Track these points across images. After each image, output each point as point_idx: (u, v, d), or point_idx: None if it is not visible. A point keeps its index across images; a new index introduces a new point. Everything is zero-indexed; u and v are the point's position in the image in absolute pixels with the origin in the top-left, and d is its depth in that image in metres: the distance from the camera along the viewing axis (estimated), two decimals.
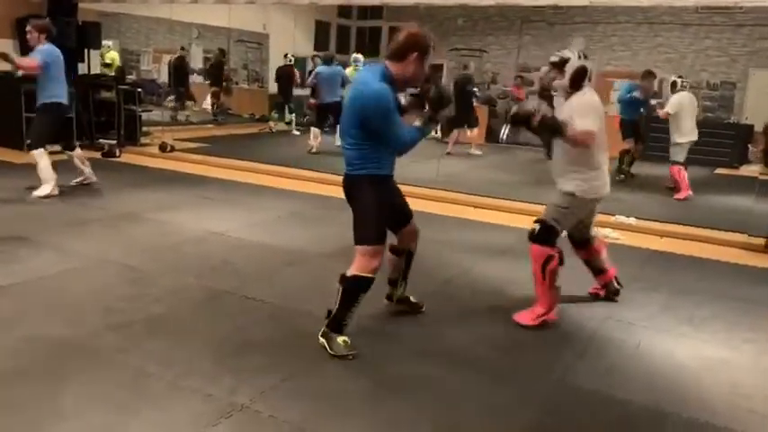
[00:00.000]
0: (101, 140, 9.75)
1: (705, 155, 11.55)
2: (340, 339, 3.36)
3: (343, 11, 16.46)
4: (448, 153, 11.22)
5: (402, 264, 3.89)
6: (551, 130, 3.81)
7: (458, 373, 3.29)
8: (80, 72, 10.17)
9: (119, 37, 13.69)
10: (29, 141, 6.46)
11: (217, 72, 14.43)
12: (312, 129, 10.87)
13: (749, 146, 12.68)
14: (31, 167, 6.46)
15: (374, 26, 16.90)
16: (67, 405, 2.76)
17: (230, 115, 15.09)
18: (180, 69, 13.78)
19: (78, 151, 6.94)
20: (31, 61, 6.29)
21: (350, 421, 2.78)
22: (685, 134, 8.50)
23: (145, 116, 10.85)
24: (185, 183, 7.86)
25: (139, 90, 10.46)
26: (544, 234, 3.90)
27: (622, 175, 9.45)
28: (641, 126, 9.54)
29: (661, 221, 6.95)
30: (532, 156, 11.20)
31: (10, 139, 8.92)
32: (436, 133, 11.34)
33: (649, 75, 9.33)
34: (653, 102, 9.41)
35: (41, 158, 6.30)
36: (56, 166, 6.50)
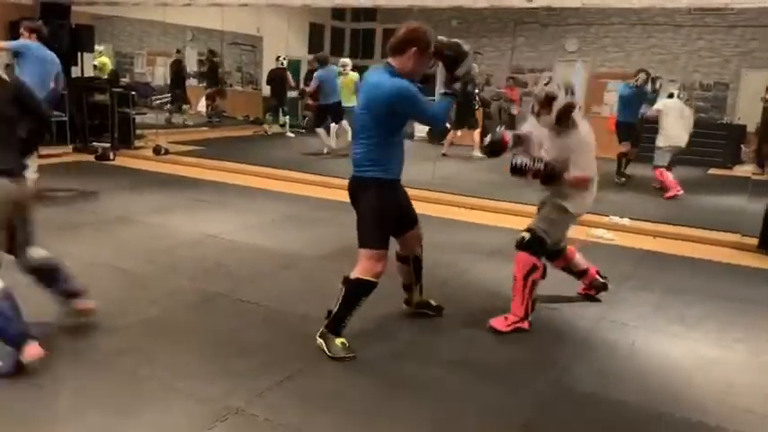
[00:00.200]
0: (94, 143, 9.74)
1: (698, 155, 11.60)
2: (338, 341, 3.36)
3: (337, 13, 16.47)
4: (443, 154, 11.25)
5: (411, 270, 3.89)
6: (550, 180, 3.90)
7: (454, 374, 3.30)
8: (73, 75, 10.15)
9: (112, 40, 13.68)
10: None
11: (211, 74, 14.43)
12: (319, 131, 10.95)
13: (742, 146, 12.75)
14: None
15: (368, 28, 16.92)
16: (62, 408, 2.76)
17: (225, 117, 15.08)
18: (177, 73, 13.79)
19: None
20: (5, 44, 6.29)
21: (347, 423, 2.79)
22: (668, 139, 8.58)
23: (139, 119, 10.84)
24: (179, 185, 7.85)
25: (133, 93, 10.45)
26: (533, 244, 3.89)
27: (623, 178, 9.48)
28: (637, 129, 9.57)
29: (654, 222, 6.98)
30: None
31: None
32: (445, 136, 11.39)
33: (642, 73, 9.37)
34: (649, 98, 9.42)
35: None
36: (45, 168, 6.47)
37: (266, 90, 14.18)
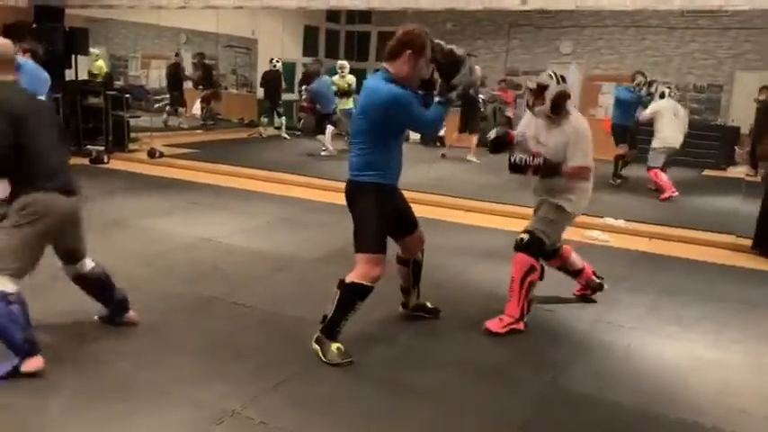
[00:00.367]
0: (88, 147, 9.70)
1: (693, 156, 11.64)
2: (334, 347, 3.33)
3: (332, 15, 16.45)
4: (443, 155, 11.28)
5: (410, 273, 3.89)
6: (550, 173, 3.89)
7: (451, 376, 3.30)
8: (67, 78, 10.12)
9: (106, 43, 13.64)
10: None
11: (205, 77, 14.40)
12: (320, 137, 11.05)
13: (736, 148, 12.80)
14: None
15: (363, 31, 16.92)
16: (59, 412, 2.75)
17: (219, 120, 15.05)
18: (175, 75, 13.78)
19: None
20: None
21: (343, 427, 2.78)
22: (662, 140, 8.58)
23: (133, 122, 10.80)
24: (174, 189, 7.83)
25: (127, 96, 10.42)
26: (532, 245, 3.90)
27: (618, 180, 9.49)
28: (634, 131, 9.59)
29: (649, 223, 7.00)
30: None
31: None
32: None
33: (639, 75, 9.39)
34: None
35: None
36: None
37: (261, 92, 14.17)
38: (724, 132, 12.84)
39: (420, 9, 7.58)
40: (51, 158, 3.11)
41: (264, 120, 13.86)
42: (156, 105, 13.75)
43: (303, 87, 11.36)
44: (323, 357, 3.32)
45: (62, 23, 9.99)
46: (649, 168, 8.72)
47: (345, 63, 11.80)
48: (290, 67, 14.65)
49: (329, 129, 11.05)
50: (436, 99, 3.35)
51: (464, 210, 7.35)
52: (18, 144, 2.97)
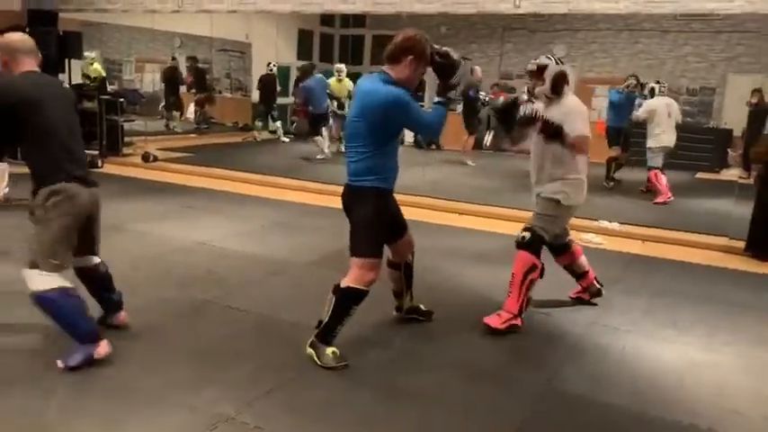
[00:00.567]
0: None
1: (686, 159, 11.70)
2: (329, 351, 3.32)
3: (326, 19, 16.48)
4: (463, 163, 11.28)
5: (402, 276, 3.89)
6: (554, 134, 3.82)
7: (446, 378, 3.30)
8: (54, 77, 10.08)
9: (100, 47, 13.61)
10: None
11: (199, 81, 14.38)
12: (317, 139, 11.07)
13: (729, 150, 12.86)
14: None
15: (357, 34, 16.94)
16: (52, 418, 2.74)
17: (213, 124, 15.04)
18: (171, 79, 13.77)
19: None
20: None
21: (338, 431, 2.77)
22: (658, 140, 8.59)
23: (127, 126, 10.78)
24: (169, 193, 7.82)
25: (121, 100, 10.40)
26: (533, 242, 3.93)
27: (612, 183, 9.50)
28: (628, 133, 9.62)
29: (643, 226, 7.02)
30: (514, 162, 11.27)
31: None
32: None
33: (631, 78, 9.43)
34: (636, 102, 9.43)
35: None
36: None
37: (256, 96, 14.18)
38: (717, 135, 12.91)
39: (414, 13, 7.59)
40: (73, 150, 3.21)
41: (259, 124, 13.86)
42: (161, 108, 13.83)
43: (298, 85, 11.31)
44: (318, 361, 3.31)
45: (56, 27, 9.96)
46: (650, 169, 8.71)
47: (342, 66, 11.79)
48: (284, 71, 14.67)
49: (326, 132, 11.05)
50: (435, 99, 3.35)
51: (458, 212, 7.35)
52: (39, 134, 3.07)
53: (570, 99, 3.96)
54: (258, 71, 14.30)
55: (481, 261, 5.48)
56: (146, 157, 9.77)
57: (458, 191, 8.51)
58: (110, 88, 11.87)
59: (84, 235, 3.32)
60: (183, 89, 14.33)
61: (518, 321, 3.94)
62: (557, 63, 3.95)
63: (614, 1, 6.47)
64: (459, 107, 11.82)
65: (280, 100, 13.87)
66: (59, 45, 9.78)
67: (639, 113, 8.71)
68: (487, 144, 13.65)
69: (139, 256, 5.07)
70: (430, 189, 8.17)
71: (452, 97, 3.34)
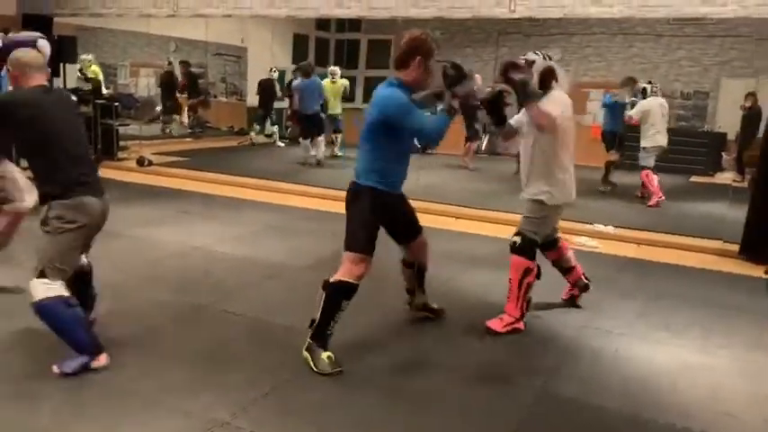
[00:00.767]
0: None
1: (680, 163, 11.75)
2: (324, 356, 3.32)
3: (322, 24, 16.49)
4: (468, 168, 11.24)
5: (414, 275, 3.96)
6: (525, 93, 3.68)
7: (440, 382, 3.30)
8: (56, 86, 10.07)
9: (95, 51, 13.58)
10: None
11: (191, 85, 14.37)
12: (302, 141, 10.94)
13: (723, 154, 12.91)
14: None
15: (352, 38, 16.96)
16: (46, 423, 2.73)
17: (209, 128, 15.03)
18: (168, 84, 13.76)
19: None
20: None
21: None
22: (653, 140, 8.60)
23: (122, 130, 10.77)
24: (164, 197, 7.81)
25: (116, 104, 10.39)
26: (525, 246, 3.96)
27: (609, 187, 9.50)
28: (623, 137, 9.64)
29: (638, 229, 7.04)
30: (510, 165, 11.30)
31: None
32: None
33: (630, 81, 9.46)
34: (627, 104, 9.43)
35: None
36: None
37: (251, 101, 14.18)
38: (711, 139, 12.96)
39: (410, 17, 7.61)
40: (83, 161, 3.28)
41: (257, 127, 13.87)
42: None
43: (291, 81, 11.23)
44: (313, 367, 3.30)
45: (51, 32, 9.95)
46: (642, 168, 8.72)
47: (336, 69, 11.85)
48: (280, 76, 14.68)
49: (321, 138, 11.03)
50: (440, 107, 3.40)
51: (453, 216, 7.36)
52: (48, 147, 3.13)
53: (556, 93, 3.95)
54: (254, 75, 14.29)
55: (477, 264, 5.49)
56: (141, 162, 9.76)
57: (453, 194, 8.52)
58: (105, 92, 11.86)
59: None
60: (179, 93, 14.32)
61: (520, 325, 3.98)
62: (544, 59, 3.99)
63: (608, 5, 6.50)
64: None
65: (275, 104, 13.88)
66: (54, 49, 9.76)
67: (633, 114, 8.70)
68: (482, 148, 13.70)
69: (135, 260, 5.07)
70: (425, 193, 8.16)
71: (455, 106, 3.34)
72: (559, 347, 3.86)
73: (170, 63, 14.12)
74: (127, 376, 3.15)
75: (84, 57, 11.57)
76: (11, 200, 4.27)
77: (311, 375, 3.27)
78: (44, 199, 3.20)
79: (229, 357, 3.44)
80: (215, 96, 15.81)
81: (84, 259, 3.53)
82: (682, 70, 13.71)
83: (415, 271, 3.95)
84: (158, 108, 14.16)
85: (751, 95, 11.55)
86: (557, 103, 3.86)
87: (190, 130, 14.26)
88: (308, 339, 3.37)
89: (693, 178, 12.04)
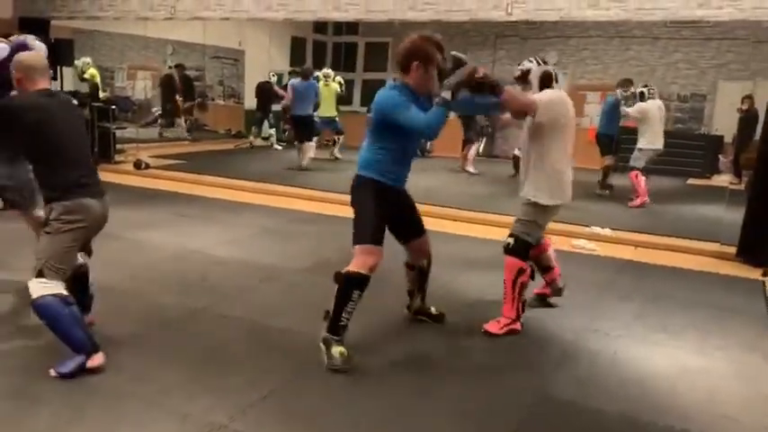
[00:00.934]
0: None
1: (677, 165, 11.78)
2: (338, 350, 3.36)
3: (319, 26, 16.51)
4: (470, 172, 11.19)
5: (415, 277, 3.98)
6: (489, 86, 3.61)
7: (438, 384, 3.30)
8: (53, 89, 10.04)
9: (92, 54, 13.59)
10: None
11: (186, 88, 14.35)
12: (302, 145, 10.68)
13: (720, 156, 12.94)
14: None
15: (350, 41, 16.98)
16: (44, 425, 2.72)
17: (206, 131, 15.02)
18: (168, 87, 13.76)
19: None
20: None
21: None
22: (648, 142, 8.60)
23: (119, 133, 10.76)
24: (161, 200, 7.80)
25: (113, 107, 10.38)
26: (518, 247, 3.98)
27: (606, 191, 9.50)
28: (617, 139, 9.65)
29: (636, 232, 7.04)
30: (507, 168, 11.31)
31: None
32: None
33: (627, 83, 9.48)
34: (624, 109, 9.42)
35: None
36: None
37: (249, 103, 14.18)
38: (708, 141, 13.00)
39: (407, 20, 7.62)
40: (84, 163, 3.31)
41: (255, 130, 13.88)
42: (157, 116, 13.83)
43: (289, 84, 11.14)
44: (326, 362, 3.35)
45: (47, 35, 9.94)
46: (632, 169, 8.72)
47: (330, 71, 11.87)
48: (278, 79, 14.69)
49: (313, 143, 11.00)
50: (435, 99, 3.37)
51: (451, 219, 7.36)
52: (52, 150, 3.16)
53: (549, 91, 3.99)
54: (251, 78, 14.29)
55: (475, 267, 5.49)
56: (138, 165, 9.75)
57: (451, 197, 8.52)
58: (102, 95, 11.85)
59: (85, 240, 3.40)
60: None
61: (517, 326, 4.00)
62: (539, 64, 4.04)
63: (605, 8, 6.52)
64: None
65: (274, 106, 13.89)
66: (51, 52, 9.74)
67: (631, 111, 8.70)
68: (479, 151, 13.71)
69: (132, 263, 5.06)
70: (423, 195, 8.13)
71: (449, 99, 3.31)
72: (558, 350, 3.86)
73: (171, 67, 14.13)
74: (124, 379, 3.14)
75: (83, 59, 11.56)
76: (24, 205, 4.22)
77: (309, 378, 3.27)
78: (46, 200, 3.23)
79: (227, 360, 3.43)
80: (212, 99, 15.80)
81: (80, 260, 3.54)
82: (679, 73, 13.75)
83: (417, 274, 3.97)
84: (154, 111, 14.16)
85: (748, 98, 11.59)
86: (543, 95, 3.90)
87: (187, 133, 14.25)
88: (325, 332, 3.41)
89: (690, 181, 12.07)
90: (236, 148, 13.54)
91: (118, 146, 10.59)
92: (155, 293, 4.41)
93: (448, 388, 3.28)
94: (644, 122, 8.59)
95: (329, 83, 11.62)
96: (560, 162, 3.97)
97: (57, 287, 3.08)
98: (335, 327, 3.39)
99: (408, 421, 2.93)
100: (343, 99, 12.30)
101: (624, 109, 8.92)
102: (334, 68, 13.11)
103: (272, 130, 13.75)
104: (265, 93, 13.33)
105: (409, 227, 3.78)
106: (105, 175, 9.10)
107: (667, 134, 8.93)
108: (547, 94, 3.96)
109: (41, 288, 3.06)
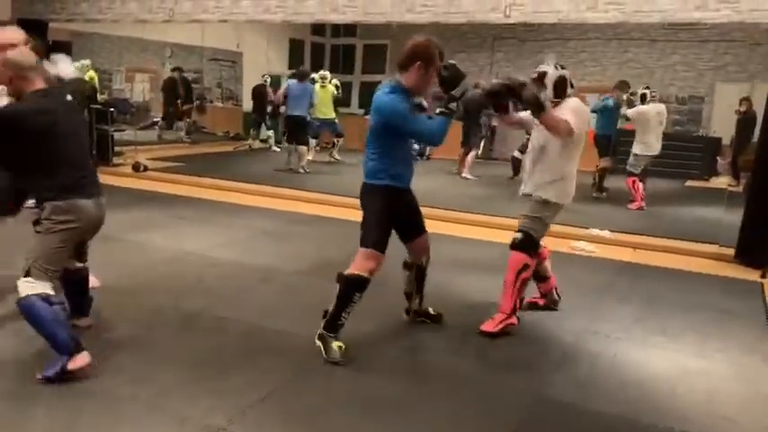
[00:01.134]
0: None
1: (676, 167, 11.79)
2: (336, 344, 3.44)
3: (317, 29, 16.53)
4: (463, 176, 11.13)
5: (413, 278, 4.00)
6: (535, 103, 3.74)
7: (435, 386, 3.29)
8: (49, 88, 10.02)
9: (91, 56, 13.59)
10: None
11: (185, 91, 14.34)
12: (298, 147, 10.52)
13: (718, 158, 12.95)
14: None
15: (348, 44, 17.00)
16: (39, 430, 2.71)
17: (204, 134, 15.02)
18: (171, 90, 13.76)
19: None
20: None
21: None
22: (645, 147, 8.60)
23: (117, 135, 10.75)
24: (159, 202, 7.79)
25: (112, 109, 10.37)
26: (525, 243, 4.02)
27: (603, 193, 9.50)
28: (615, 142, 9.64)
29: (634, 233, 7.04)
30: (506, 170, 11.32)
31: None
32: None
33: (623, 85, 9.48)
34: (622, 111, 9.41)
35: None
36: None
37: (247, 106, 14.19)
38: (706, 143, 13.02)
39: (405, 22, 7.62)
40: (83, 164, 3.26)
41: (254, 132, 13.88)
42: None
43: (284, 84, 11.11)
44: (324, 355, 3.41)
45: (46, 37, 9.93)
46: (629, 174, 8.72)
47: (326, 73, 11.85)
48: (275, 80, 14.70)
49: (312, 142, 10.98)
50: (438, 110, 3.46)
51: (451, 221, 7.35)
52: (47, 152, 3.11)
53: (571, 101, 4.04)
54: (249, 80, 14.30)
55: (474, 269, 5.48)
56: (136, 167, 9.74)
57: (450, 200, 8.51)
58: (100, 98, 11.84)
59: (80, 242, 3.37)
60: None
61: (513, 320, 4.02)
62: (556, 68, 4.06)
63: (603, 10, 6.52)
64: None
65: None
66: (49, 55, 9.73)
67: (629, 113, 8.70)
68: (478, 153, 13.70)
69: (130, 265, 5.04)
70: (422, 198, 8.14)
71: (454, 109, 3.45)
72: (558, 351, 3.85)
73: (173, 70, 14.12)
74: (122, 381, 3.13)
75: (82, 61, 11.54)
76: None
77: (307, 379, 3.26)
78: (40, 200, 3.18)
79: (226, 362, 3.42)
80: (211, 101, 15.81)
81: (78, 263, 3.53)
82: (677, 75, 13.78)
83: (415, 274, 3.99)
84: (152, 114, 14.15)
85: (746, 100, 11.60)
86: (574, 111, 3.93)
87: (186, 135, 14.24)
88: (321, 329, 3.48)
89: (689, 183, 12.08)
90: (234, 150, 13.53)
91: (116, 148, 10.59)
92: (153, 295, 4.40)
93: (448, 389, 3.27)
94: (641, 125, 8.59)
95: (326, 84, 11.61)
96: (574, 164, 4.04)
97: (42, 287, 3.04)
98: (333, 325, 3.47)
99: (408, 422, 2.92)
100: (341, 101, 12.29)
101: (624, 111, 8.92)
102: (332, 71, 13.13)
103: (271, 132, 13.75)
104: (261, 96, 13.34)
105: (414, 226, 3.82)
106: (104, 178, 9.05)
107: (665, 136, 8.94)
108: (571, 105, 3.97)
109: (27, 288, 3.03)
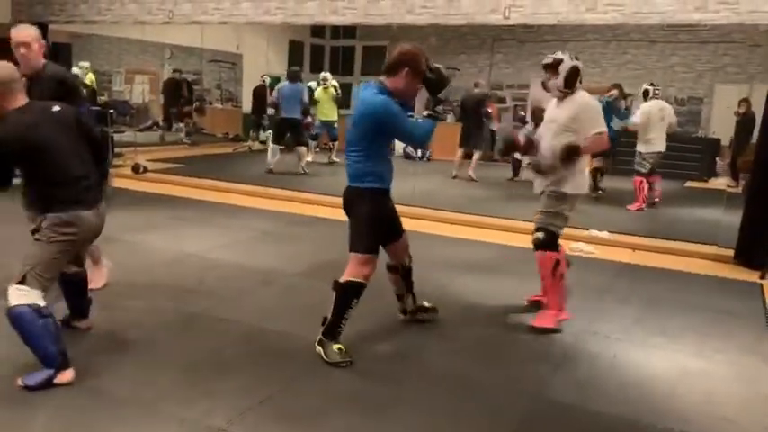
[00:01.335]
0: None
1: (675, 168, 11.78)
2: (335, 347, 3.45)
3: (317, 30, 16.54)
4: (455, 177, 11.08)
5: (401, 279, 4.00)
6: (573, 156, 3.94)
7: (435, 388, 3.29)
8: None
9: (90, 58, 13.59)
10: None
11: (185, 92, 14.33)
12: (272, 146, 10.55)
13: (717, 159, 12.96)
14: None
15: (347, 45, 17.01)
16: (40, 430, 2.70)
17: (204, 135, 15.01)
18: (173, 92, 13.76)
19: None
20: None
21: None
22: (650, 145, 8.59)
23: (117, 137, 10.75)
24: (159, 204, 7.79)
25: (111, 111, 10.37)
26: (548, 241, 4.06)
27: (599, 192, 9.51)
28: (611, 142, 9.63)
29: (634, 235, 7.05)
30: (505, 172, 11.33)
31: None
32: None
33: (615, 88, 9.50)
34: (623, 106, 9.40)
35: None
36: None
37: (247, 107, 14.20)
38: (705, 144, 13.02)
39: (405, 24, 7.62)
40: (78, 174, 3.17)
41: (254, 134, 13.89)
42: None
43: (276, 87, 11.11)
44: (324, 357, 3.43)
45: (46, 39, 9.93)
46: (637, 174, 8.71)
47: (328, 75, 11.86)
48: (275, 82, 14.71)
49: (311, 144, 10.97)
50: (425, 113, 3.53)
51: (449, 222, 7.36)
52: (38, 168, 3.07)
53: (581, 95, 4.09)
54: (249, 82, 14.29)
55: (472, 270, 5.49)
56: (136, 169, 9.74)
57: (449, 200, 8.52)
58: (99, 99, 11.85)
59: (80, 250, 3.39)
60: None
61: (564, 315, 4.10)
62: (571, 59, 4.10)
63: (602, 12, 6.52)
64: (450, 117, 11.79)
65: (271, 111, 13.91)
66: (49, 57, 9.73)
67: (636, 120, 8.68)
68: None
69: (130, 267, 5.04)
70: (421, 199, 8.17)
71: (440, 111, 3.57)
72: (557, 352, 3.86)
73: (174, 71, 14.12)
74: (122, 383, 3.13)
75: (81, 64, 11.55)
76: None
77: (307, 381, 3.27)
78: (41, 210, 3.13)
79: (225, 363, 3.42)
80: (210, 103, 15.80)
81: (75, 268, 3.53)
82: (676, 76, 13.79)
83: (401, 274, 3.98)
84: (151, 114, 14.14)
85: (744, 101, 11.61)
86: (595, 112, 4.05)
87: (186, 137, 14.24)
88: (320, 335, 3.49)
89: (688, 183, 12.08)
90: (234, 151, 13.54)
91: (116, 150, 10.58)
92: (151, 297, 4.40)
93: (447, 389, 3.27)
94: (644, 126, 8.58)
95: (327, 86, 11.62)
96: (586, 156, 4.13)
97: (35, 297, 2.97)
98: (333, 332, 3.48)
99: (408, 422, 2.92)
100: (341, 103, 12.29)
101: (631, 120, 8.90)
102: (331, 72, 13.12)
103: (268, 133, 13.75)
104: (259, 97, 13.36)
105: (394, 229, 3.80)
106: None
107: (665, 137, 8.92)
108: (582, 100, 4.07)
109: (19, 296, 2.95)
